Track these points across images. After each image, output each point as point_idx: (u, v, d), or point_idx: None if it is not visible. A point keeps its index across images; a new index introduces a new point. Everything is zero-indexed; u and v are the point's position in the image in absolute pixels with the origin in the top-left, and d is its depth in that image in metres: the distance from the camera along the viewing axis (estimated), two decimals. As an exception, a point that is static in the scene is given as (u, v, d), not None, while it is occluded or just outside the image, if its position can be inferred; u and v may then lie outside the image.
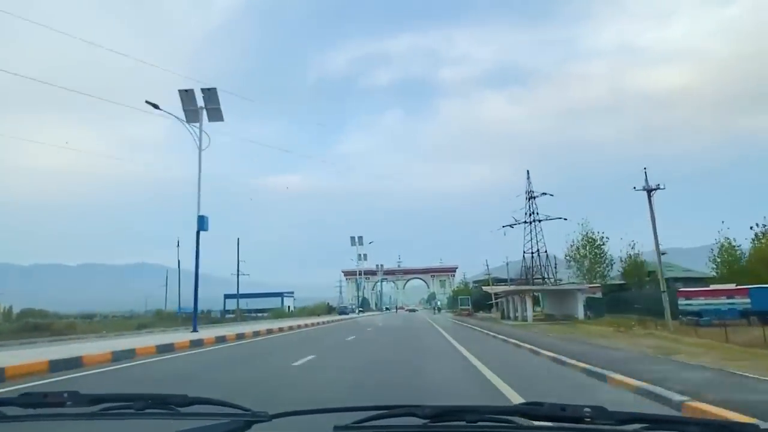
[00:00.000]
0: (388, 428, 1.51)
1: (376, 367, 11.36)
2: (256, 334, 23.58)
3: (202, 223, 25.45)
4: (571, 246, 47.43)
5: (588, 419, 1.41)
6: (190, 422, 1.58)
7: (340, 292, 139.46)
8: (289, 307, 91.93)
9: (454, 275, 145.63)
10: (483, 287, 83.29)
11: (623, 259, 45.26)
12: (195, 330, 23.67)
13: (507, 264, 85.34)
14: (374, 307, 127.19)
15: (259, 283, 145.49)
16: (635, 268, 43.97)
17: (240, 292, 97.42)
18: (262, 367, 11.56)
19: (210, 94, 26.49)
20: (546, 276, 66.89)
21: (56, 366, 10.38)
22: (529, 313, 37.43)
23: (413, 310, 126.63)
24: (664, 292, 28.04)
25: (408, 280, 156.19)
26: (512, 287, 51.26)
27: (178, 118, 25.86)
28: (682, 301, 32.03)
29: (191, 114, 26.27)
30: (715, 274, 39.46)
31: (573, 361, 10.71)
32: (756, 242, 36.57)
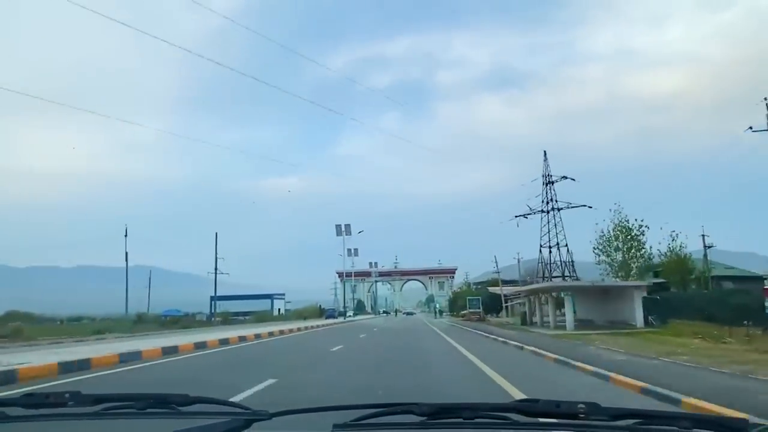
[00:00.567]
0: (387, 425, 1.52)
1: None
2: (224, 342, 20.02)
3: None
4: (601, 237, 38.33)
5: (582, 415, 1.43)
6: (191, 421, 1.59)
7: (335, 295, 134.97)
8: (279, 309, 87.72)
9: (453, 277, 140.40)
10: (488, 288, 75.19)
11: (662, 253, 36.73)
12: None
13: (518, 261, 74.97)
14: (370, 310, 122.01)
15: (254, 286, 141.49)
16: (677, 264, 35.44)
17: (229, 294, 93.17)
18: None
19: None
20: (567, 274, 58.80)
21: None
22: (569, 319, 28.10)
23: (411, 313, 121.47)
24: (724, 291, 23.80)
25: (405, 282, 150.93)
26: (543, 285, 41.40)
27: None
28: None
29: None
30: None
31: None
32: None
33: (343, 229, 68.66)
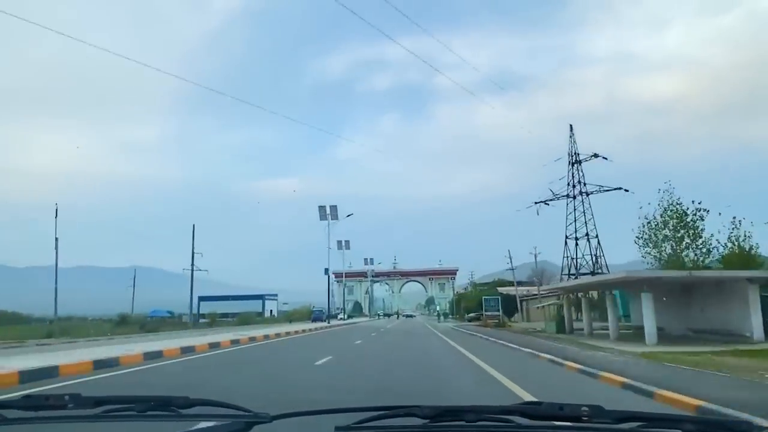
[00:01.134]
0: (389, 428, 1.51)
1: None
2: (188, 350, 17.16)
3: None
4: (646, 224, 30.53)
5: (585, 418, 1.43)
6: (192, 423, 1.64)
7: (333, 296, 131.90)
8: (271, 311, 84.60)
9: (454, 278, 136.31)
10: (497, 288, 69.70)
11: (721, 244, 28.88)
12: None
13: (535, 255, 63.14)
14: (367, 312, 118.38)
15: (253, 288, 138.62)
16: (740, 258, 27.74)
17: (221, 294, 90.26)
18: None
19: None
20: (597, 270, 51.42)
21: None
22: (649, 328, 19.52)
23: (410, 316, 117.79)
24: None
25: (404, 283, 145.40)
26: (602, 278, 31.40)
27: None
28: None
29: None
30: None
31: None
32: None
33: (328, 211, 54.92)
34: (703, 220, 29.15)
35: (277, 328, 37.54)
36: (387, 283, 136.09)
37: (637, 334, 21.90)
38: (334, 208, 55.91)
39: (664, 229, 29.87)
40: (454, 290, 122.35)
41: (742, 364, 11.77)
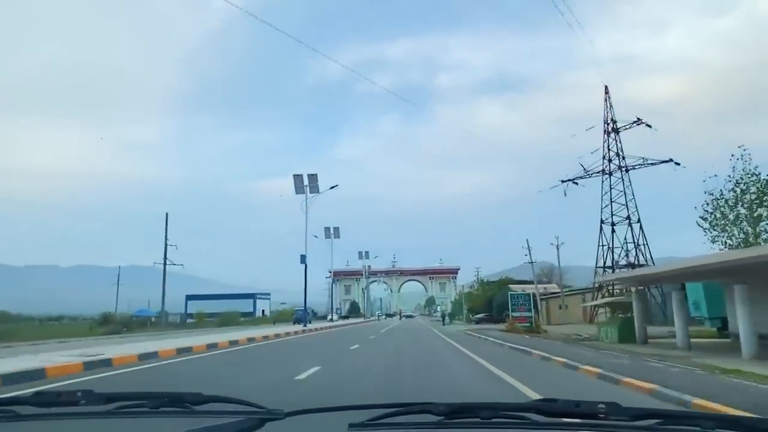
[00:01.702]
0: (403, 425, 1.49)
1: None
2: (147, 356, 14.60)
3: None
4: (712, 201, 24.67)
5: (602, 415, 1.40)
6: (205, 420, 1.57)
7: (330, 296, 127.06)
8: (263, 311, 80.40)
9: (455, 277, 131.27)
10: (509, 286, 61.67)
11: None
12: None
13: (557, 246, 54.14)
14: (366, 313, 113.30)
15: (251, 287, 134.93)
16: None
17: (209, 294, 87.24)
18: None
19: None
20: (641, 261, 44.18)
21: None
22: (746, 336, 14.31)
23: (410, 316, 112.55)
24: None
25: (403, 282, 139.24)
26: (701, 261, 16.47)
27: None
28: None
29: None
30: None
31: None
32: None
33: (305, 182, 41.42)
34: None
35: (256, 331, 32.21)
36: (385, 282, 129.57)
37: (725, 344, 17.01)
38: (313, 177, 41.47)
39: (737, 206, 24.02)
40: (456, 289, 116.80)
41: None
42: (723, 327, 21.22)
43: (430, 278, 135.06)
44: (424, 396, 2.14)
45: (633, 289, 23.63)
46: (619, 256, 46.33)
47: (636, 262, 44.00)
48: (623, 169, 47.61)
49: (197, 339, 23.32)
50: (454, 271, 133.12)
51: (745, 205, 23.98)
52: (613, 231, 46.82)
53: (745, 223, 24.07)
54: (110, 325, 46.89)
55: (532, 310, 34.03)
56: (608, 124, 49.03)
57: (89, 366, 11.88)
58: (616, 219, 46.96)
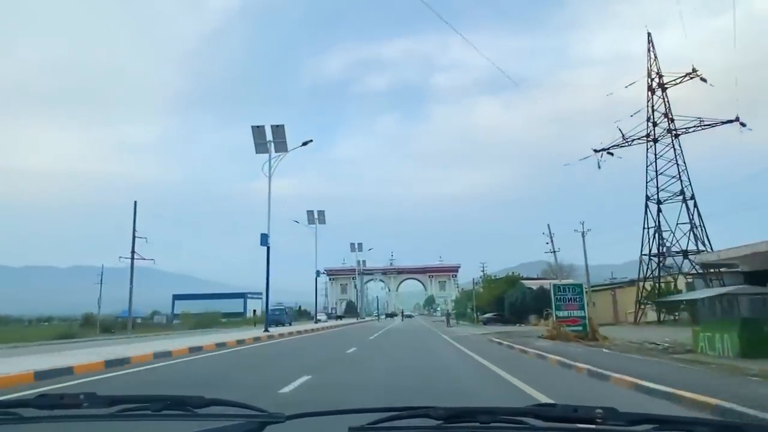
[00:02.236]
0: (403, 429, 1.51)
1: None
2: (116, 363, 12.83)
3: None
4: None
5: (599, 420, 1.41)
6: (207, 423, 1.58)
7: (326, 295, 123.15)
8: (254, 311, 76.59)
9: (455, 276, 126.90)
10: (523, 281, 56.26)
11: None
12: None
13: (583, 234, 46.99)
14: (362, 313, 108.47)
15: (249, 287, 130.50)
16: None
17: (197, 293, 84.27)
18: None
19: (278, 130, 31.12)
20: (696, 246, 36.71)
21: None
22: None
23: (409, 316, 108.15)
24: None
25: (402, 281, 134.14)
26: None
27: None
28: None
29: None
30: None
31: None
32: None
33: (269, 137, 30.78)
34: None
35: (229, 335, 28.21)
36: (382, 281, 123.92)
37: None
38: (279, 130, 30.83)
39: None
40: (458, 288, 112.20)
41: None
42: None
43: (429, 277, 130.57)
44: None
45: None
46: (668, 241, 38.25)
47: (697, 248, 36.44)
48: (673, 132, 39.11)
49: (154, 344, 19.54)
50: (454, 269, 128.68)
51: None
52: (659, 210, 38.72)
53: None
54: (91, 326, 45.46)
55: (585, 308, 23.48)
56: (652, 79, 39.99)
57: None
58: (663, 195, 39.02)
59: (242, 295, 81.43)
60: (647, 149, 39.88)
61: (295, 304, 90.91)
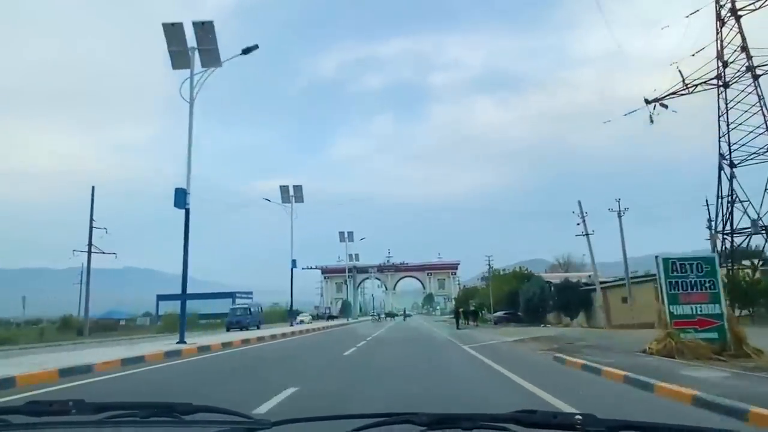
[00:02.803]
0: None
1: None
2: (70, 372, 10.70)
3: (294, 264, 35.21)
4: None
5: (579, 426, 1.43)
6: (194, 429, 1.63)
7: (321, 294, 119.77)
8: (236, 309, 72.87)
9: (455, 273, 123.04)
10: (541, 275, 50.97)
11: None
12: None
13: (619, 214, 36.54)
14: (354, 313, 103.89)
15: (245, 287, 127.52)
16: None
17: (189, 292, 80.00)
18: None
19: (204, 30, 20.45)
20: None
21: None
22: None
23: (408, 315, 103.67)
24: None
25: (399, 279, 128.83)
26: None
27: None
28: None
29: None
30: None
31: None
32: None
33: (190, 42, 20.63)
34: None
35: (143, 348, 19.84)
36: (378, 278, 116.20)
37: None
38: (206, 29, 20.80)
39: None
40: (459, 285, 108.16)
41: None
42: None
43: (428, 274, 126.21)
44: None
45: None
46: (744, 213, 30.45)
47: None
48: (753, 70, 30.51)
49: (98, 352, 15.77)
50: (453, 266, 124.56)
51: None
52: (732, 175, 30.97)
53: None
54: (70, 329, 44.14)
55: (722, 300, 12.71)
56: (722, 5, 31.55)
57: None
58: (739, 155, 30.78)
59: (231, 295, 77.79)
60: (718, 93, 31.48)
61: (286, 303, 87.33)
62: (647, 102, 32.31)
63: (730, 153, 31.26)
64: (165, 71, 21.80)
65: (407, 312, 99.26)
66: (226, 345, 19.39)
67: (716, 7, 31.88)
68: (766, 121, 30.05)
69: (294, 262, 39.81)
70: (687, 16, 32.59)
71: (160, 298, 71.32)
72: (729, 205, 30.88)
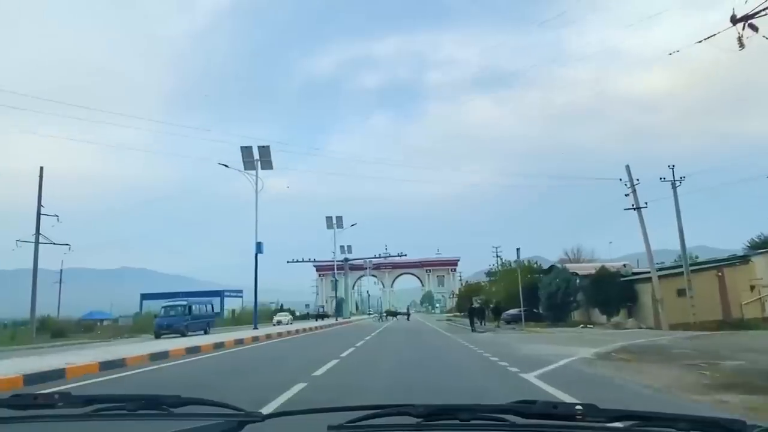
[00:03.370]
0: (382, 427, 1.49)
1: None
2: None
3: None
4: None
5: (579, 416, 1.42)
6: (184, 423, 1.56)
7: (317, 293, 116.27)
8: (234, 310, 69.46)
9: (455, 270, 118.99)
10: (568, 265, 44.50)
11: None
12: None
13: (674, 184, 29.94)
14: (354, 310, 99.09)
15: (244, 286, 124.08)
16: None
17: (168, 292, 77.84)
18: None
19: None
20: None
21: None
22: None
23: (405, 314, 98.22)
24: None
25: (397, 277, 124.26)
26: None
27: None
28: None
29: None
30: None
31: None
32: None
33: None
34: None
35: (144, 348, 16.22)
36: (374, 275, 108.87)
37: None
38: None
39: None
40: (462, 281, 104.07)
41: None
42: None
43: (426, 271, 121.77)
44: None
45: None
46: None
47: None
48: None
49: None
50: (453, 263, 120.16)
51: None
52: None
53: None
54: (47, 330, 42.37)
55: None
56: None
57: None
58: None
59: (219, 294, 74.01)
60: None
61: (285, 303, 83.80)
62: (734, 22, 26.15)
63: None
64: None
65: (405, 310, 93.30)
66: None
67: None
68: None
69: (259, 245, 33.58)
70: None
71: (145, 297, 67.84)
72: None
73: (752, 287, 28.51)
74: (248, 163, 34.37)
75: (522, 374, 9.49)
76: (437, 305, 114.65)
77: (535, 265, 46.64)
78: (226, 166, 34.66)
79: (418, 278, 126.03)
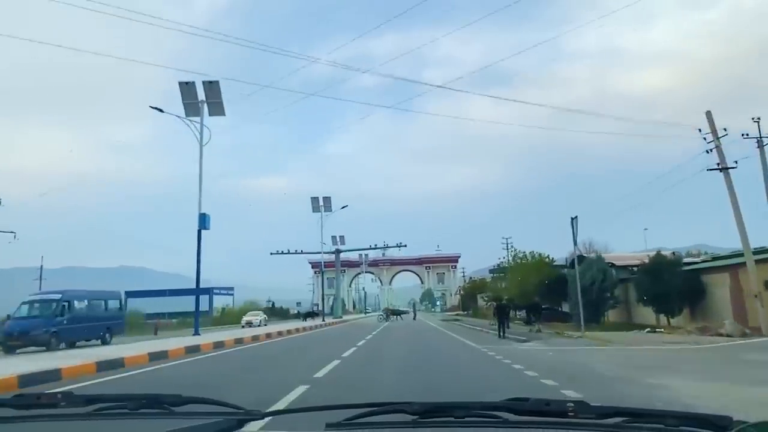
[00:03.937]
0: (379, 425, 1.52)
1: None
2: None
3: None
4: None
5: (571, 413, 1.44)
6: (184, 421, 1.59)
7: (313, 291, 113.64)
8: (223, 309, 67.03)
9: (455, 267, 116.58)
10: (600, 255, 34.75)
11: None
12: None
13: (758, 138, 22.15)
14: (352, 309, 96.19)
15: (243, 286, 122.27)
16: None
17: (154, 289, 75.61)
18: None
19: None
20: None
21: None
22: None
23: (406, 312, 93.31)
24: None
25: (395, 274, 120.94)
26: None
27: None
28: None
29: (191, 108, 25.95)
30: None
31: None
32: None
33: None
34: None
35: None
36: (371, 272, 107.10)
37: None
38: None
39: None
40: (464, 276, 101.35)
41: None
42: None
43: (426, 268, 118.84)
44: None
45: None
46: None
47: None
48: None
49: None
50: (454, 259, 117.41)
51: None
52: None
53: None
54: None
55: None
56: None
57: None
58: None
59: (207, 291, 71.37)
60: None
61: (284, 302, 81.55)
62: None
63: None
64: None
65: (405, 309, 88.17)
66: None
67: None
68: None
69: (204, 217, 25.65)
70: None
71: (130, 294, 65.40)
72: None
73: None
74: (190, 105, 25.59)
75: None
76: (437, 303, 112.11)
77: (547, 258, 41.98)
78: (159, 110, 25.48)
79: (418, 275, 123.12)
